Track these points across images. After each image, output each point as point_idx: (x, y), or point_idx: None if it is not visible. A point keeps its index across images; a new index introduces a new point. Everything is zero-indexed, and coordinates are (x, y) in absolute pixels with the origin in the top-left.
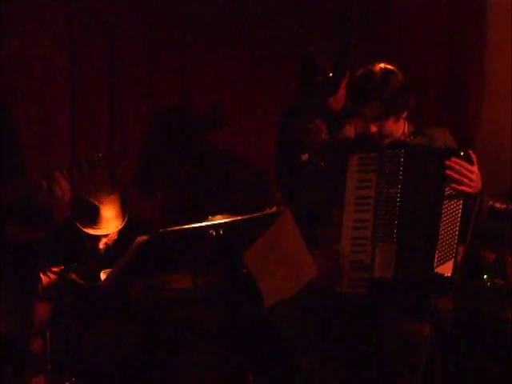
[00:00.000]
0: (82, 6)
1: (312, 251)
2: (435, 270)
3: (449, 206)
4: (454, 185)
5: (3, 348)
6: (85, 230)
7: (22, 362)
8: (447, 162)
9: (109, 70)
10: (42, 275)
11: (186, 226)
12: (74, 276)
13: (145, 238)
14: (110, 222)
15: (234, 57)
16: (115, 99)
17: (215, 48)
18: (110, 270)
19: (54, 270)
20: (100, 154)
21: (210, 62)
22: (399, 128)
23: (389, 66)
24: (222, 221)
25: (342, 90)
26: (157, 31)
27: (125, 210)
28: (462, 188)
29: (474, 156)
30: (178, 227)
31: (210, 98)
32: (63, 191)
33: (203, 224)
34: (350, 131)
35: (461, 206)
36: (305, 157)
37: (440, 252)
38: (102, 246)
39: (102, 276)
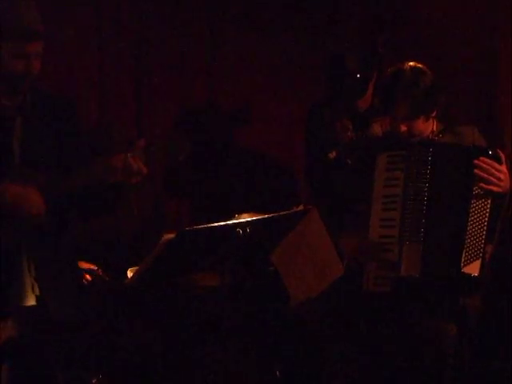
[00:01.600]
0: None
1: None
2: (462, 270)
3: (476, 205)
4: (482, 184)
5: None
6: None
7: None
8: (475, 161)
9: (136, 66)
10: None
11: (213, 225)
12: (101, 273)
13: (172, 236)
14: None
15: (261, 55)
16: (143, 96)
17: (242, 45)
18: (136, 267)
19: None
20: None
21: (237, 59)
22: (428, 127)
23: (418, 65)
24: (249, 219)
25: (370, 90)
26: (185, 26)
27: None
28: (491, 187)
29: (502, 155)
30: (205, 225)
31: (236, 96)
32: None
33: (230, 222)
34: (377, 129)
35: (489, 206)
36: (332, 154)
37: (467, 252)
38: None
39: (129, 274)
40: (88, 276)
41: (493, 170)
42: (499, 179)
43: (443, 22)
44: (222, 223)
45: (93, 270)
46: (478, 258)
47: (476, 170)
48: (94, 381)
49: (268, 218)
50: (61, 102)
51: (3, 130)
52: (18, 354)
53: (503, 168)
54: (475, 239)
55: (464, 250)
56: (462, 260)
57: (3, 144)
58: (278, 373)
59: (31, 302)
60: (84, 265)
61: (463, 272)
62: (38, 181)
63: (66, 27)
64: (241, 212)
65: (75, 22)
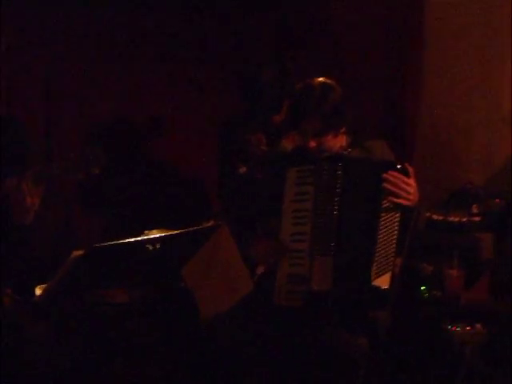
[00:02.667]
0: None
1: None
2: (372, 283)
3: (386, 218)
4: (391, 197)
5: None
6: None
7: None
8: (384, 175)
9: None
10: None
11: (122, 241)
12: (9, 291)
13: (80, 252)
14: None
15: (171, 69)
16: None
17: (154, 61)
18: (44, 285)
19: None
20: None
21: (149, 73)
22: (338, 142)
23: (328, 81)
24: (159, 235)
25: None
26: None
27: None
28: (400, 201)
29: (410, 169)
30: (114, 242)
31: (147, 110)
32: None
33: (139, 238)
34: (286, 145)
35: (398, 219)
36: (242, 169)
37: (377, 265)
38: None
39: (37, 291)
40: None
41: (401, 184)
42: (408, 192)
43: (351, 34)
44: (132, 239)
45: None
46: (388, 271)
47: (385, 184)
48: None
49: (178, 233)
50: None
51: None
52: None
53: (411, 181)
54: (385, 252)
55: (374, 263)
56: (372, 273)
57: None
58: None
59: None
60: None
61: (373, 285)
62: None
63: None
64: (151, 228)
65: None
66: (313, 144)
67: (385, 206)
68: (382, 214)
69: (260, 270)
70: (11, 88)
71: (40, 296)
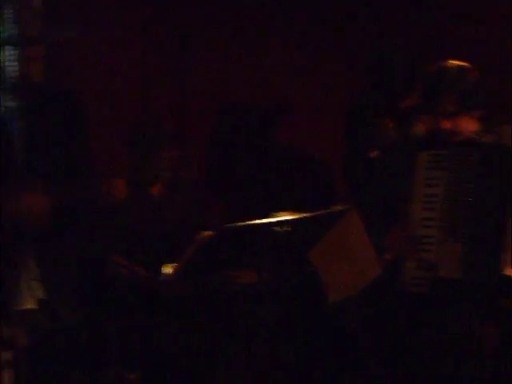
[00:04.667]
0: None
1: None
2: (503, 272)
3: None
4: None
5: None
6: None
7: None
8: None
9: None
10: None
11: (251, 222)
12: (137, 268)
13: (210, 233)
14: None
15: (297, 54)
16: (183, 97)
17: (279, 47)
18: (173, 264)
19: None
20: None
21: (275, 59)
22: (470, 126)
23: (463, 63)
24: (287, 218)
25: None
26: (230, 24)
27: None
28: None
29: None
30: (243, 223)
31: (274, 95)
32: (118, 196)
33: (268, 220)
34: (420, 128)
35: None
36: (373, 154)
37: (508, 253)
38: None
39: (166, 270)
40: (123, 270)
41: None
42: None
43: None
44: (261, 221)
45: (129, 264)
46: None
47: None
48: (131, 376)
49: (306, 216)
50: (61, 97)
51: (5, 131)
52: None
53: None
54: None
55: (505, 252)
56: (502, 262)
57: (5, 146)
58: (314, 374)
59: (29, 305)
60: (119, 260)
61: (504, 274)
62: (42, 188)
63: None
64: (279, 210)
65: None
66: (447, 125)
67: None
68: None
69: (388, 255)
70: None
71: (169, 275)
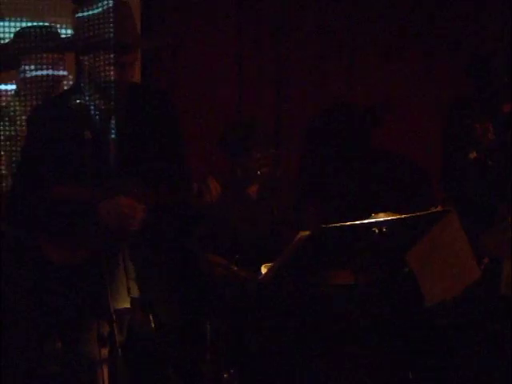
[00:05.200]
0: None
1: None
2: None
3: None
4: None
5: None
6: None
7: None
8: None
9: (275, 70)
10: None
11: (349, 223)
12: (235, 268)
13: (308, 233)
14: None
15: (399, 56)
16: (281, 99)
17: (381, 48)
18: (270, 263)
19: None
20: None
21: (376, 61)
22: None
23: None
24: (386, 218)
25: None
26: (322, 30)
27: None
28: None
29: None
30: (341, 223)
31: (374, 97)
32: (212, 196)
33: (366, 221)
34: None
35: None
36: (473, 155)
37: None
38: None
39: (263, 270)
40: (220, 270)
41: None
42: None
43: None
44: (359, 222)
45: (226, 264)
46: None
47: None
48: (225, 375)
49: (405, 217)
50: (154, 97)
51: (99, 132)
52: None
53: None
54: None
55: None
56: None
57: (99, 147)
58: (410, 374)
59: (127, 304)
60: (216, 259)
61: None
62: (138, 189)
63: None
64: (377, 211)
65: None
66: None
67: None
68: None
69: (486, 258)
70: (242, 75)
71: (266, 274)
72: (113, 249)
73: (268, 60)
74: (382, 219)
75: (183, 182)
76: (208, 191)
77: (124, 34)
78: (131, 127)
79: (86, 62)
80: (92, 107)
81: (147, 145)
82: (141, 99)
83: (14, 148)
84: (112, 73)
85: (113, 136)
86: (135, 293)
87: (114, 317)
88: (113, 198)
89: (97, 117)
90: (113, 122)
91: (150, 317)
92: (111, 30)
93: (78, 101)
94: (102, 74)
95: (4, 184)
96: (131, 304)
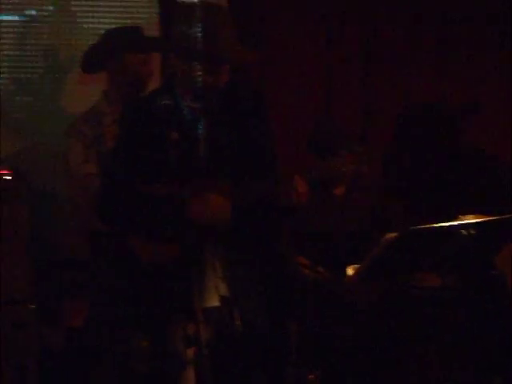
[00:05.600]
0: None
1: None
2: None
3: None
4: None
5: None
6: None
7: None
8: None
9: (364, 69)
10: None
11: (437, 225)
12: (322, 270)
13: (395, 234)
14: None
15: (491, 57)
16: (369, 94)
17: (473, 47)
18: (356, 265)
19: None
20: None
21: (467, 60)
22: None
23: None
24: (474, 221)
25: None
26: (414, 26)
27: None
28: None
29: None
30: (429, 225)
31: (465, 96)
32: (299, 196)
33: (454, 223)
34: None
35: None
36: None
37: None
38: None
39: (349, 271)
40: (307, 271)
41: None
42: None
43: None
44: (446, 224)
45: (312, 265)
46: None
47: None
48: (311, 376)
49: (494, 220)
50: (249, 96)
51: (190, 132)
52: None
53: None
54: None
55: None
56: None
57: (190, 146)
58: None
59: (214, 303)
60: (303, 260)
61: None
62: (224, 190)
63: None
64: (465, 213)
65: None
66: None
67: None
68: None
69: None
70: (330, 75)
71: (353, 275)
72: (201, 247)
73: (356, 60)
74: (469, 221)
75: (272, 181)
76: (295, 191)
77: (220, 45)
78: (224, 126)
79: (176, 65)
80: (183, 108)
81: (238, 144)
82: (235, 98)
83: (101, 148)
84: (205, 77)
85: (202, 135)
86: (223, 292)
87: (201, 316)
88: (203, 196)
89: (187, 117)
90: (203, 121)
91: (237, 316)
92: (207, 40)
93: (165, 102)
94: (195, 78)
95: (92, 184)
96: (220, 302)
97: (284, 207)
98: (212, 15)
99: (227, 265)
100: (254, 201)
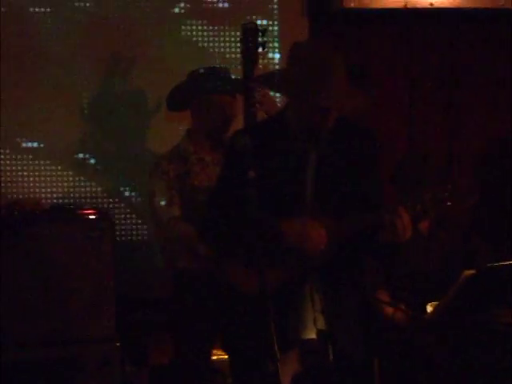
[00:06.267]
0: None
1: None
2: None
3: None
4: None
5: None
6: None
7: None
8: None
9: (446, 103)
10: None
11: None
12: (403, 307)
13: (472, 271)
14: None
15: None
16: (453, 133)
17: None
18: (435, 302)
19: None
20: (447, 194)
21: None
22: None
23: None
24: None
25: None
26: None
27: None
28: None
29: None
30: (506, 262)
31: None
32: (405, 227)
33: None
34: None
35: None
36: None
37: None
38: None
39: (429, 308)
40: (387, 308)
41: None
42: None
43: None
44: None
45: (394, 302)
46: None
47: None
48: None
49: None
50: (361, 135)
51: (299, 165)
52: None
53: None
54: None
55: None
56: None
57: (297, 178)
58: None
59: (311, 335)
60: (383, 296)
61: None
62: (326, 221)
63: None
64: None
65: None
66: None
67: None
68: None
69: None
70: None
71: (432, 312)
72: (300, 277)
73: (439, 96)
74: None
75: (378, 213)
76: (400, 222)
77: (324, 95)
78: (334, 163)
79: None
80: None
81: (346, 182)
82: (348, 136)
83: (184, 186)
84: (315, 117)
85: (311, 171)
86: (321, 325)
87: (279, 355)
88: (298, 219)
89: (297, 154)
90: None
91: (330, 349)
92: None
93: (243, 142)
94: (305, 118)
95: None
96: (317, 336)
97: (388, 244)
98: (327, 62)
99: (326, 298)
100: (358, 233)
